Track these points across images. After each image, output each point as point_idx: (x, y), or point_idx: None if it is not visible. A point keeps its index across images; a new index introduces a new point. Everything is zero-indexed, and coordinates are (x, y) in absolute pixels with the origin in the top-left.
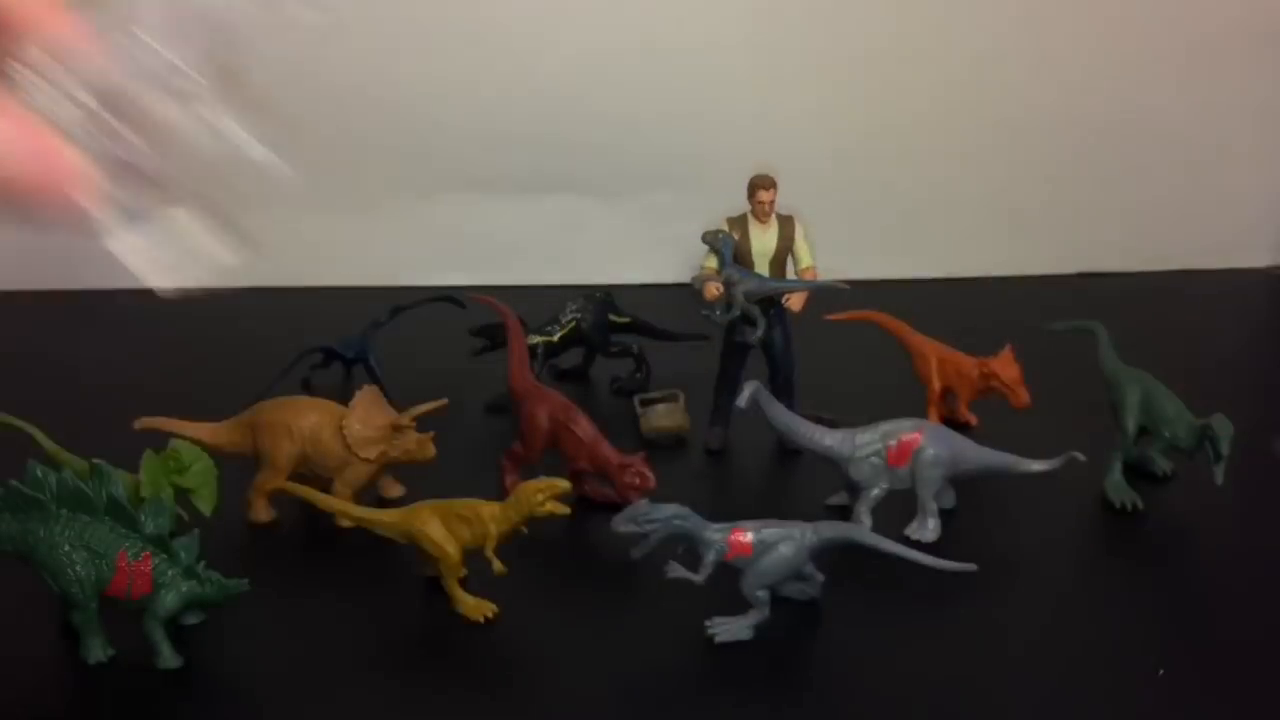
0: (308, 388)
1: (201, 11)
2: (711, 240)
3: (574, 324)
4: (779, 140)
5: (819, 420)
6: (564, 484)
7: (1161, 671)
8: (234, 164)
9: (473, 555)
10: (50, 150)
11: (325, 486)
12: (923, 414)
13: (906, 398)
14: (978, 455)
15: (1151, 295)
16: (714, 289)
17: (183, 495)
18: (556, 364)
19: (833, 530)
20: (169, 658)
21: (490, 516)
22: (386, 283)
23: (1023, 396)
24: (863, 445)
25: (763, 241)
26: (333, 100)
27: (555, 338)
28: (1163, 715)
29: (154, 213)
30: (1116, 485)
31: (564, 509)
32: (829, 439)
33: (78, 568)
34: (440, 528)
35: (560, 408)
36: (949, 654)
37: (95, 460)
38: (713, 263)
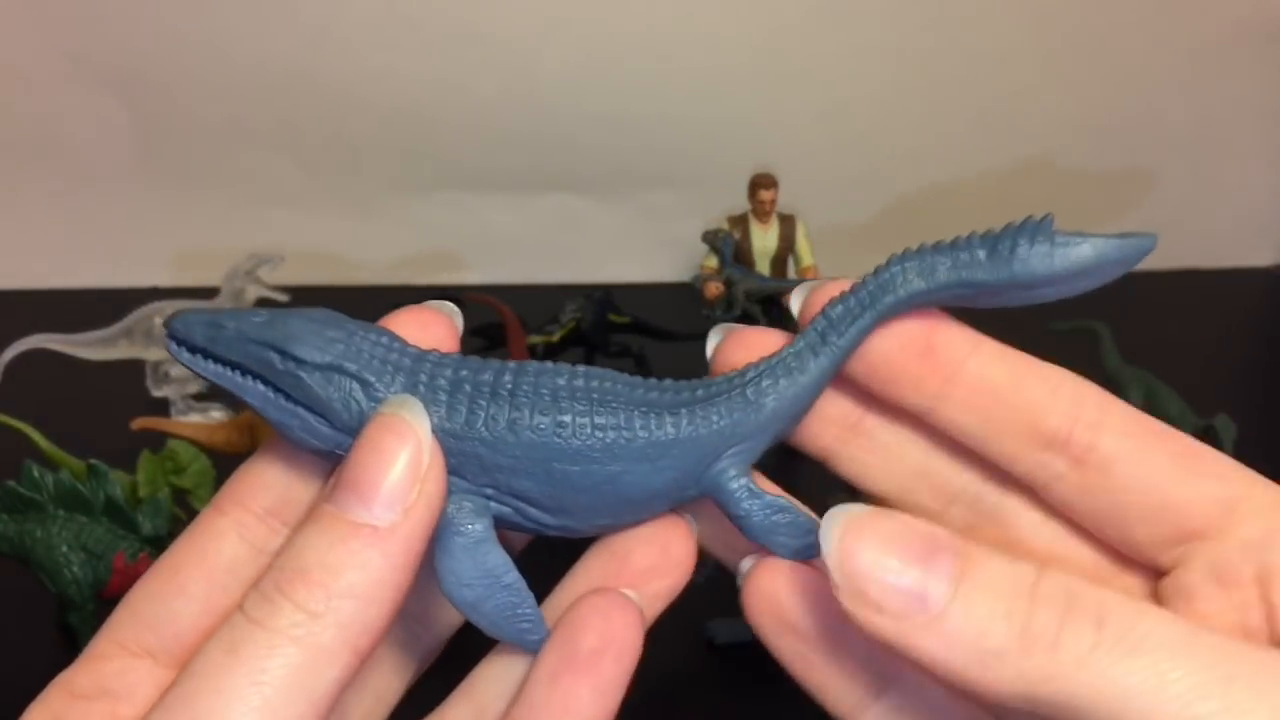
0: None
1: None
2: (712, 239)
3: (574, 323)
4: (779, 140)
5: None
6: None
7: None
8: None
9: None
10: None
11: None
12: None
13: None
14: None
15: (1154, 295)
16: (714, 288)
17: (180, 495)
18: None
19: None
20: None
21: None
22: (385, 282)
23: None
24: None
25: (764, 241)
26: (330, 100)
27: (555, 337)
28: None
29: None
30: None
31: None
32: None
33: (75, 568)
34: None
35: None
36: None
37: (92, 460)
38: (713, 262)
